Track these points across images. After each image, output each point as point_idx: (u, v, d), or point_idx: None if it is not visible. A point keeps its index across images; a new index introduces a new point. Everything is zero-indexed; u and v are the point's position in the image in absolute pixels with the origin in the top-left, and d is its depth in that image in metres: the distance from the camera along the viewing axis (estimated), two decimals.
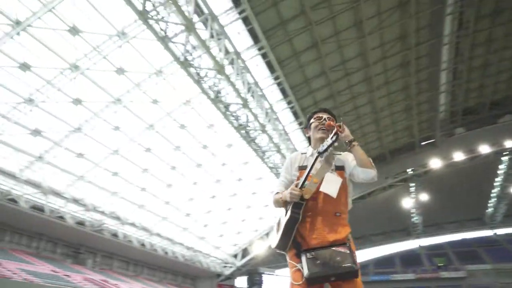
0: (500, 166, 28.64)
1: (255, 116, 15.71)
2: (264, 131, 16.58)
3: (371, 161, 2.23)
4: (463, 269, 31.41)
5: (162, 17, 11.01)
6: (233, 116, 15.32)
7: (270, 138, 17.27)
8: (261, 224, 27.50)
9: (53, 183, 17.15)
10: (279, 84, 17.32)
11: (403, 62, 18.86)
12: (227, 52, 13.54)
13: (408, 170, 27.61)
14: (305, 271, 2.04)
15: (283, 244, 2.19)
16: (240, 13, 13.51)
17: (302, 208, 2.16)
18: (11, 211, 15.78)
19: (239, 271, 30.72)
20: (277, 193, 2.33)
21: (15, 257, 16.38)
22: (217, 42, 12.85)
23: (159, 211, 22.61)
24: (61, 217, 17.80)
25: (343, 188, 2.25)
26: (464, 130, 26.17)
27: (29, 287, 13.53)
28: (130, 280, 22.69)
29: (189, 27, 11.30)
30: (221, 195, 23.20)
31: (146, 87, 15.02)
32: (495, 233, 35.91)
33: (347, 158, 2.33)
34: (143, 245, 23.04)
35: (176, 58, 12.08)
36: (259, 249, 28.88)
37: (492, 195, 32.17)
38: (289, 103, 18.56)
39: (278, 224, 2.25)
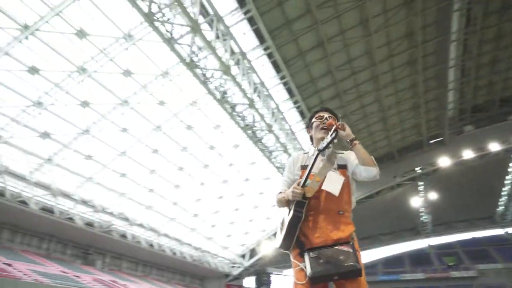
0: (511, 164, 28.22)
1: (262, 116, 15.70)
2: (270, 131, 16.57)
3: (373, 159, 2.24)
4: (473, 268, 31.04)
5: (168, 19, 11.06)
6: (239, 116, 15.34)
7: (277, 138, 17.25)
8: (268, 224, 27.49)
9: (62, 185, 17.36)
10: (285, 83, 17.30)
11: (410, 60, 18.71)
12: (232, 52, 13.57)
13: (416, 169, 27.37)
14: (308, 270, 2.04)
15: (286, 243, 2.19)
16: (245, 13, 13.53)
17: (305, 207, 2.16)
18: (21, 212, 16.00)
19: (247, 271, 30.74)
20: (280, 192, 2.33)
21: (26, 258, 16.60)
22: (223, 43, 12.89)
23: (167, 212, 22.73)
24: (71, 219, 18.01)
25: (346, 187, 2.25)
26: (473, 127, 25.85)
27: None
28: (139, 280, 22.85)
29: (195, 28, 11.34)
30: (228, 196, 23.25)
31: (153, 89, 15.12)
32: (506, 232, 35.35)
33: (350, 157, 2.34)
34: (151, 245, 23.19)
35: (182, 60, 12.13)
36: (267, 249, 28.87)
37: (502, 193, 31.68)
38: (295, 102, 18.53)
39: (282, 223, 2.26)
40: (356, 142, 2.23)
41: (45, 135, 14.97)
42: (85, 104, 14.52)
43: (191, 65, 12.35)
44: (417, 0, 15.27)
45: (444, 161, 26.40)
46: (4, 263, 14.22)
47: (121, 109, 15.33)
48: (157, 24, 10.89)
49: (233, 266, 30.65)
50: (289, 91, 17.90)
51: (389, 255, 37.56)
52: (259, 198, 24.04)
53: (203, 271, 28.97)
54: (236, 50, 13.86)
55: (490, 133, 25.10)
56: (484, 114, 25.18)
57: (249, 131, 16.23)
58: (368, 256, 37.51)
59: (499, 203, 33.35)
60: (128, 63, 13.82)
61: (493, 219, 35.34)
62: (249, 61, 14.77)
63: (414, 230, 35.84)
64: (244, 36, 14.48)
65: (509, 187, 30.64)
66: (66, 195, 17.71)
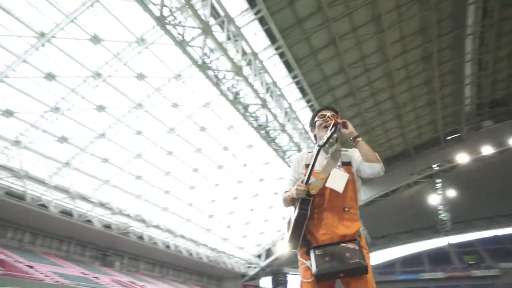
0: None
1: (275, 116, 15.67)
2: (284, 130, 16.52)
3: (377, 155, 2.24)
4: (495, 267, 30.28)
5: (179, 22, 11.16)
6: (252, 116, 15.34)
7: (290, 137, 17.19)
8: (284, 224, 27.36)
9: (80, 188, 17.70)
10: (297, 83, 17.22)
11: (425, 55, 18.37)
12: (244, 53, 13.58)
13: (433, 166, 26.85)
14: (314, 268, 2.05)
15: (293, 241, 2.20)
16: (256, 13, 13.52)
17: (310, 204, 2.18)
18: (42, 216, 16.41)
19: (263, 272, 30.74)
20: (286, 192, 2.36)
21: (47, 260, 17.00)
22: (234, 44, 12.91)
23: (182, 213, 22.92)
24: (89, 221, 18.36)
25: (350, 183, 2.27)
26: (492, 122, 25.22)
27: None
28: (156, 281, 23.13)
29: (206, 30, 11.40)
30: (243, 196, 23.29)
31: (166, 91, 15.28)
32: None
33: (354, 154, 2.36)
34: (168, 247, 23.42)
35: (194, 62, 12.21)
36: (283, 249, 28.79)
37: None
38: (308, 101, 18.43)
39: (289, 222, 2.27)
40: (359, 139, 2.25)
41: (63, 139, 15.31)
42: (100, 108, 14.78)
43: (203, 67, 12.42)
44: None
45: (462, 158, 25.84)
46: (26, 265, 14.59)
47: (136, 112, 15.55)
48: (169, 27, 10.99)
49: (249, 267, 30.69)
50: (302, 90, 17.81)
51: (407, 254, 36.97)
52: (274, 198, 24.00)
53: (219, 271, 29.10)
54: (248, 50, 13.87)
55: (510, 128, 24.46)
56: (503, 108, 24.54)
57: (262, 131, 16.22)
58: (385, 255, 37.08)
59: None
60: (141, 67, 14.00)
61: None
62: (261, 61, 14.77)
63: (433, 228, 35.09)
64: (256, 36, 14.48)
65: None
66: (84, 198, 18.06)
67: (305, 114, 19.32)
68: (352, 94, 19.27)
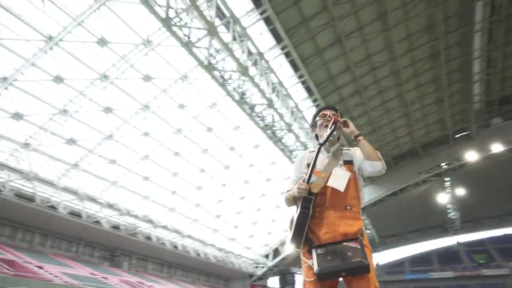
0: None
1: (281, 116, 15.66)
2: (290, 130, 16.50)
3: (378, 153, 2.25)
4: (506, 266, 29.92)
5: (185, 23, 11.20)
6: (258, 116, 15.34)
7: (297, 137, 17.17)
8: (287, 224, 27.32)
9: (89, 189, 17.87)
10: (303, 82, 17.17)
11: (432, 53, 18.19)
12: (250, 53, 13.59)
13: (442, 164, 26.58)
14: (315, 267, 2.07)
15: (296, 241, 2.22)
16: (261, 13, 13.50)
17: (312, 203, 2.19)
18: (51, 217, 16.59)
19: (271, 271, 30.72)
20: (288, 191, 2.38)
21: (56, 261, 17.17)
22: (240, 44, 12.92)
23: (190, 214, 23.00)
24: (98, 222, 18.51)
25: (352, 182, 2.27)
26: (502, 120, 24.89)
27: None
28: (164, 281, 23.24)
29: (212, 31, 11.43)
30: (250, 196, 23.30)
31: (173, 93, 15.34)
32: None
33: (356, 153, 2.37)
34: (175, 247, 23.52)
35: (200, 63, 12.25)
36: (290, 249, 28.71)
37: None
38: (314, 101, 18.36)
39: (291, 222, 2.28)
40: (361, 138, 2.26)
41: (71, 141, 15.46)
42: (108, 110, 14.89)
43: (209, 68, 12.45)
44: None
45: (471, 156, 25.54)
46: (36, 266, 14.76)
47: (143, 113, 15.64)
48: (174, 28, 11.04)
49: (257, 266, 30.70)
50: (308, 89, 17.75)
51: (416, 253, 36.70)
52: (281, 198, 23.91)
53: (227, 271, 29.15)
54: (254, 50, 13.87)
55: None
56: None
57: (269, 131, 16.21)
58: (394, 254, 36.86)
59: None
60: (148, 69, 14.07)
61: None
62: (266, 61, 14.76)
63: (442, 227, 34.81)
64: (261, 36, 14.47)
65: None
66: (93, 199, 18.22)
67: (311, 113, 19.15)
68: (359, 93, 19.16)
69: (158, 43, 13.02)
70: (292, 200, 2.31)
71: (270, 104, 14.71)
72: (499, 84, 22.39)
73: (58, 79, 12.99)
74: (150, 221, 21.46)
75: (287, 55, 15.55)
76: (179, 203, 21.69)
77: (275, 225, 26.95)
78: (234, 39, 12.56)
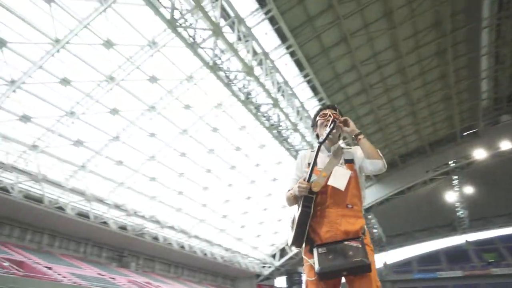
0: None
1: (286, 115, 15.63)
2: (296, 129, 16.46)
3: (379, 152, 2.26)
4: None
5: (190, 24, 11.23)
6: (264, 116, 15.32)
7: (303, 136, 17.12)
8: (289, 223, 27.25)
9: (96, 190, 18.00)
10: (309, 81, 17.11)
11: (439, 50, 18.01)
12: (255, 53, 13.57)
13: (450, 163, 26.34)
14: (316, 266, 2.07)
15: (297, 240, 2.22)
16: (266, 13, 13.49)
17: (313, 202, 2.20)
18: (59, 218, 16.74)
19: (278, 271, 30.69)
20: (289, 190, 2.38)
21: (65, 261, 17.32)
22: (245, 44, 12.92)
23: (196, 214, 23.06)
24: (105, 223, 18.64)
25: (353, 181, 2.28)
26: (510, 117, 24.61)
27: None
28: (171, 281, 23.33)
29: (217, 32, 11.44)
30: (256, 196, 23.30)
31: (178, 93, 15.37)
32: None
33: (356, 152, 2.39)
34: (182, 247, 23.60)
35: (206, 63, 12.27)
36: (297, 249, 28.66)
37: None
38: (320, 100, 18.29)
39: (293, 221, 2.28)
40: (361, 136, 2.28)
41: (78, 143, 15.58)
42: (114, 111, 14.98)
43: (215, 68, 12.47)
44: None
45: (479, 154, 25.26)
46: (45, 267, 14.91)
47: (149, 114, 15.70)
48: (180, 30, 11.07)
49: (263, 266, 30.69)
50: (313, 88, 17.69)
51: (424, 252, 36.41)
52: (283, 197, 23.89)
53: (234, 271, 29.18)
54: (259, 50, 13.85)
55: None
56: None
57: (275, 131, 16.19)
58: (402, 253, 36.60)
59: None
60: (153, 70, 14.13)
61: None
62: (272, 61, 14.74)
63: (450, 226, 34.48)
64: (266, 36, 14.45)
65: None
66: (100, 200, 18.35)
67: None
68: (365, 92, 19.05)
69: (164, 44, 13.06)
70: (293, 199, 2.32)
71: (276, 103, 14.69)
72: (507, 80, 22.12)
73: (65, 82, 13.09)
74: (157, 222, 21.55)
75: (292, 54, 15.51)
76: (185, 204, 21.76)
77: (281, 224, 26.91)
78: (239, 39, 12.56)
